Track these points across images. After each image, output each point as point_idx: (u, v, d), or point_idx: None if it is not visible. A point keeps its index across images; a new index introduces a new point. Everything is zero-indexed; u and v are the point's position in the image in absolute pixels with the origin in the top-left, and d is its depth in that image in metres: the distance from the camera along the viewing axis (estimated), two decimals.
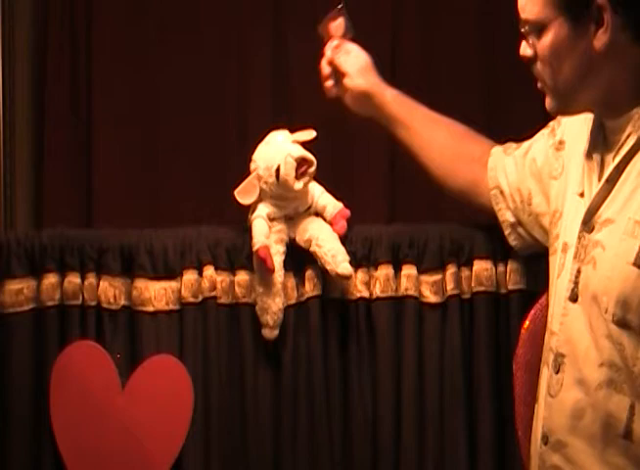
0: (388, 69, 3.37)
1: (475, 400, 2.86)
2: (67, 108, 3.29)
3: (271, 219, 2.80)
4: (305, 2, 3.36)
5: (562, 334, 1.59)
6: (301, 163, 2.75)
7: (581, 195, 1.65)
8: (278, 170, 2.75)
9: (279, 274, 2.77)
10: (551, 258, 1.77)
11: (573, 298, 1.57)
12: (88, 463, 2.75)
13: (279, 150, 2.79)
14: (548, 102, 1.61)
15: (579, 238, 1.58)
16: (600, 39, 1.47)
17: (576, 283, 1.57)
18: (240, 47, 3.34)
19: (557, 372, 1.60)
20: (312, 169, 2.78)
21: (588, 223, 1.56)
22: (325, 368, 2.83)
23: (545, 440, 1.61)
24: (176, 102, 3.32)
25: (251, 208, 2.85)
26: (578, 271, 1.56)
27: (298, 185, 2.76)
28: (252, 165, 2.83)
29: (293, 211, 2.83)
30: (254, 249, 2.76)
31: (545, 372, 1.63)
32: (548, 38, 1.53)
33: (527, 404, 2.11)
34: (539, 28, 1.54)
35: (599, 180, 1.58)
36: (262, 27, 3.34)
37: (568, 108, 1.60)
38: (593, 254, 1.53)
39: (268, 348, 2.82)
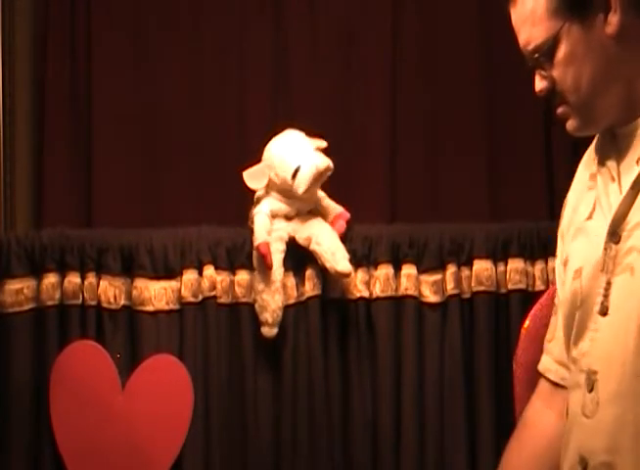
0: (389, 68, 3.38)
1: (475, 400, 2.86)
2: (66, 108, 3.28)
3: (273, 216, 2.81)
4: (306, 3, 3.35)
5: (594, 350, 1.55)
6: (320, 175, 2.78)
7: (589, 217, 1.62)
8: (297, 171, 2.78)
9: (278, 272, 2.77)
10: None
11: (603, 311, 1.54)
12: (88, 463, 2.75)
13: (303, 152, 2.80)
14: (570, 123, 1.58)
15: (605, 249, 1.54)
16: (612, 23, 1.46)
17: (606, 296, 1.53)
18: (240, 48, 3.33)
19: (590, 391, 1.56)
20: (324, 179, 2.81)
21: (615, 234, 1.53)
22: (325, 368, 2.83)
23: (584, 463, 1.55)
24: (176, 102, 3.31)
25: (255, 201, 2.86)
26: (608, 283, 1.53)
27: (307, 193, 2.79)
28: (266, 154, 2.84)
29: (295, 210, 2.84)
30: (255, 244, 2.77)
31: (577, 394, 1.58)
32: (563, 49, 1.51)
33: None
34: (551, 46, 1.52)
35: (620, 189, 1.55)
36: (263, 29, 3.33)
37: (591, 120, 1.56)
38: (628, 261, 1.50)
39: (268, 347, 2.82)
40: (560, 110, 1.58)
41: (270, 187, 2.82)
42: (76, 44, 3.32)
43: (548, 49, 1.52)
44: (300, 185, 2.76)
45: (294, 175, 2.76)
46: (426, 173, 3.38)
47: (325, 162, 2.77)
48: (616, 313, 1.51)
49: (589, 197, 1.63)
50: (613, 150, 1.59)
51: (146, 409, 2.75)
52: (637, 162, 1.53)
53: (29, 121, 3.36)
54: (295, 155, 2.79)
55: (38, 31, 3.34)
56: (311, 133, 2.86)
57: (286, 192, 2.80)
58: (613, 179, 1.57)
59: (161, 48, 3.35)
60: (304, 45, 3.37)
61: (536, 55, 1.54)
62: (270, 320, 2.75)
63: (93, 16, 3.31)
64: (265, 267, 2.74)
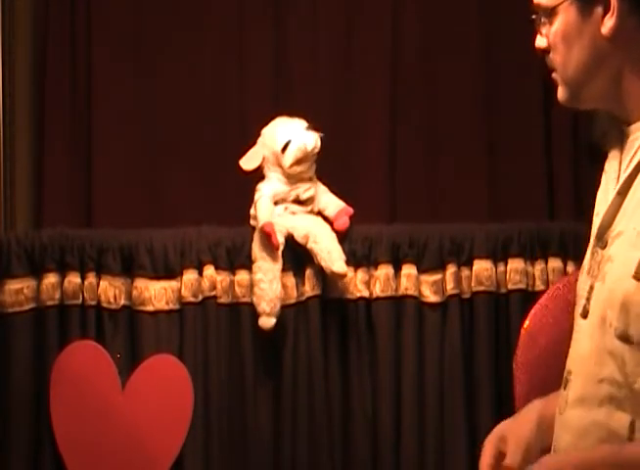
0: (389, 68, 3.38)
1: (475, 400, 2.86)
2: (66, 108, 3.29)
3: (275, 203, 2.82)
4: (306, 3, 3.36)
5: (572, 351, 1.58)
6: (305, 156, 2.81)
7: (597, 214, 1.62)
8: (287, 145, 2.80)
9: (278, 261, 2.78)
10: None
11: (584, 314, 1.56)
12: (88, 463, 2.75)
13: (294, 129, 2.84)
14: (559, 92, 1.59)
15: (593, 254, 1.54)
16: (607, 25, 1.46)
17: (588, 299, 1.55)
18: (241, 48, 3.33)
19: (564, 389, 1.58)
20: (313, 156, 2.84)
21: (602, 239, 1.53)
22: (325, 368, 2.83)
23: None
24: (176, 102, 3.31)
25: (257, 191, 2.87)
26: (591, 287, 1.55)
27: (292, 169, 2.81)
28: (260, 138, 2.88)
29: (294, 193, 2.85)
30: (259, 225, 2.77)
31: (561, 390, 1.62)
32: (558, 24, 1.53)
33: (528, 404, 2.11)
34: (550, 14, 1.53)
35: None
36: (263, 29, 3.34)
37: (578, 99, 1.57)
38: (605, 269, 1.51)
39: (268, 347, 2.82)
40: (553, 75, 1.58)
41: (266, 167, 2.85)
42: (76, 44, 3.32)
43: (548, 15, 1.53)
44: (288, 159, 2.80)
45: (283, 149, 2.80)
46: (426, 173, 3.38)
47: (314, 141, 2.82)
48: (591, 318, 1.53)
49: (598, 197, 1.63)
50: (619, 149, 1.59)
51: (146, 409, 2.75)
52: (626, 167, 1.53)
53: (29, 121, 3.36)
54: (286, 131, 2.84)
55: (38, 31, 3.34)
56: None
57: (280, 167, 2.84)
58: (616, 180, 1.57)
59: (161, 48, 3.35)
60: (305, 45, 3.37)
61: (538, 14, 1.55)
62: (268, 310, 2.74)
63: (93, 16, 3.31)
64: (272, 247, 2.74)
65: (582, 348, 1.53)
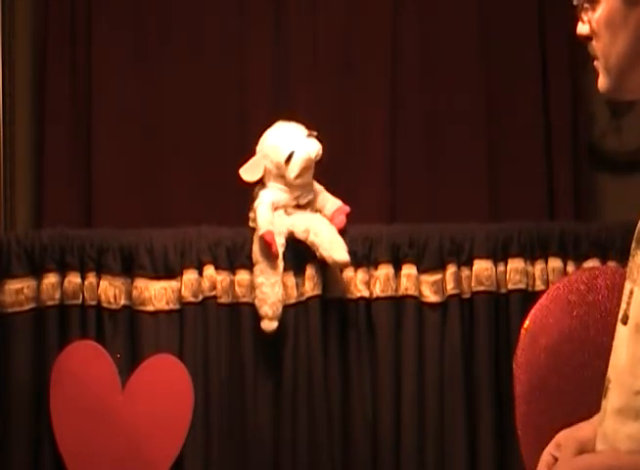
0: (389, 69, 3.38)
1: (475, 400, 2.86)
2: (67, 108, 3.30)
3: (274, 208, 2.82)
4: (306, 5, 3.36)
5: (612, 359, 1.52)
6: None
7: None
8: (291, 156, 2.78)
9: (279, 265, 2.78)
10: None
11: (624, 320, 1.50)
12: (88, 463, 2.75)
13: (296, 139, 2.82)
14: (600, 80, 1.54)
15: (632, 256, 1.47)
16: None
17: (628, 304, 1.49)
18: (241, 48, 3.34)
19: (604, 398, 1.53)
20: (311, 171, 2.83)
21: None
22: (325, 368, 2.83)
23: None
24: (177, 102, 3.32)
25: (255, 196, 2.87)
26: (631, 292, 1.49)
27: (298, 180, 2.80)
28: (259, 146, 2.86)
29: (294, 199, 2.85)
30: (259, 234, 2.77)
31: (602, 399, 1.56)
32: (601, 10, 1.48)
33: (528, 404, 2.11)
34: (592, 1, 1.49)
35: None
36: (263, 29, 3.34)
37: (619, 89, 1.51)
38: None
39: (268, 347, 2.82)
40: (595, 62, 1.54)
41: (267, 177, 2.84)
42: (76, 44, 3.32)
43: (589, 0, 1.49)
44: (293, 170, 2.79)
45: (287, 160, 2.79)
46: (426, 173, 3.38)
47: (317, 149, 2.81)
48: (630, 324, 1.47)
49: None
50: None
51: (146, 409, 2.75)
52: None
53: (29, 121, 3.36)
54: (288, 141, 2.82)
55: (38, 31, 3.35)
56: None
57: (283, 178, 2.82)
58: None
59: (161, 48, 3.35)
60: (305, 46, 3.38)
61: (575, 1, 1.51)
62: (270, 313, 2.74)
63: (93, 16, 3.32)
64: (272, 256, 2.75)
65: (620, 356, 1.46)
